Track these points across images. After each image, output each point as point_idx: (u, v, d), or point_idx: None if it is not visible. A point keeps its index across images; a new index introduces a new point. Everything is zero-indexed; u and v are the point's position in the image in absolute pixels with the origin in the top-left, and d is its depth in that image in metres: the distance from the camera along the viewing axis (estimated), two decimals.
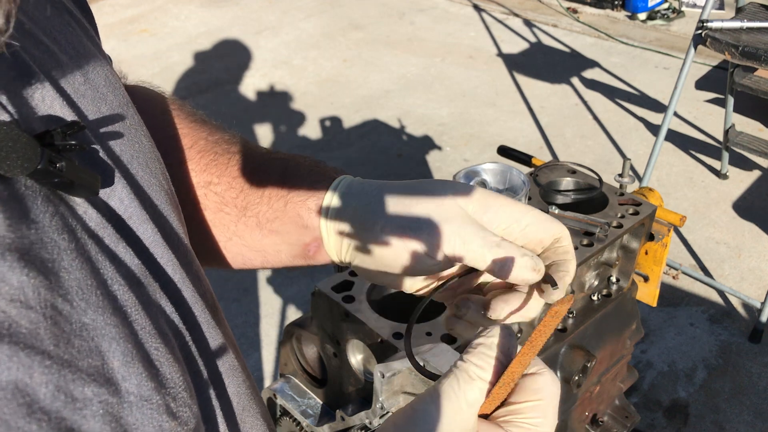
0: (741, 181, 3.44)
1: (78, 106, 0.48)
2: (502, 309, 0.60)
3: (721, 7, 4.96)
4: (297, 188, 0.68)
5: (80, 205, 0.44)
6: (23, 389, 0.34)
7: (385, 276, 0.64)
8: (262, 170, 0.71)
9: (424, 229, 0.60)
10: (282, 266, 0.72)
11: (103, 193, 0.47)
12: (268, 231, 0.68)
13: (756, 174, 3.49)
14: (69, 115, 0.46)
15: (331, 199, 0.66)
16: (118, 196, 0.48)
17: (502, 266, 0.58)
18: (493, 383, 0.49)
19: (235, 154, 0.73)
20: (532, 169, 1.49)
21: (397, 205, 0.62)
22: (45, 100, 0.45)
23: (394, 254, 0.62)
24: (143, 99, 0.75)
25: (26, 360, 0.35)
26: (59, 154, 0.41)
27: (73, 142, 0.42)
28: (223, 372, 0.56)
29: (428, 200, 0.61)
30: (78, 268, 0.40)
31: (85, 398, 0.37)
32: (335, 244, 0.66)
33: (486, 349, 0.50)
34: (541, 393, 0.49)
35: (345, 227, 0.64)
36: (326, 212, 0.65)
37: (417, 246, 0.60)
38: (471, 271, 0.63)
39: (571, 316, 1.29)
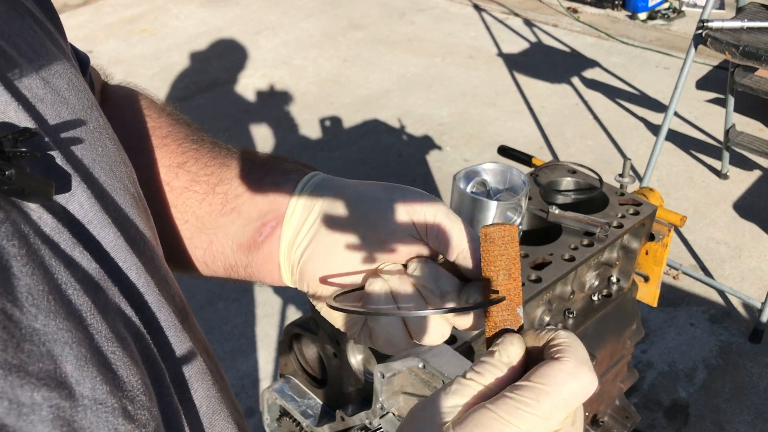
0: (741, 181, 3.44)
1: (36, 110, 0.47)
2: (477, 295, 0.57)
3: (722, 6, 4.96)
4: (279, 167, 0.68)
5: (35, 210, 0.44)
6: None
7: (330, 264, 0.62)
8: (247, 155, 0.71)
9: (406, 196, 0.59)
10: (222, 265, 0.70)
11: (62, 198, 0.46)
12: (230, 209, 0.67)
13: (756, 174, 3.48)
14: (24, 120, 0.46)
15: (315, 175, 0.66)
16: (77, 200, 0.47)
17: (476, 251, 0.56)
18: (494, 390, 0.47)
19: (218, 145, 0.72)
20: (533, 169, 1.49)
21: (378, 188, 0.62)
22: None
23: (364, 223, 0.60)
24: (124, 96, 0.74)
25: None
26: (9, 161, 0.40)
27: (23, 149, 0.42)
28: (191, 376, 0.55)
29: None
30: (28, 274, 0.40)
31: (33, 403, 0.37)
32: (298, 219, 0.64)
33: (488, 357, 0.49)
34: (545, 378, 0.45)
35: (321, 195, 0.63)
36: (306, 182, 0.65)
37: (393, 212, 0.59)
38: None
39: (571, 316, 1.29)
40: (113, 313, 0.46)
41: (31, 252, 0.41)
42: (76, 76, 0.54)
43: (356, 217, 0.61)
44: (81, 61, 0.65)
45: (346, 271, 0.61)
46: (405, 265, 0.61)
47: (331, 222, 0.62)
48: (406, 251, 0.60)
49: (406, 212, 0.59)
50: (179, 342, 0.54)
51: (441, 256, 0.61)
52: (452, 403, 0.47)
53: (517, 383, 0.46)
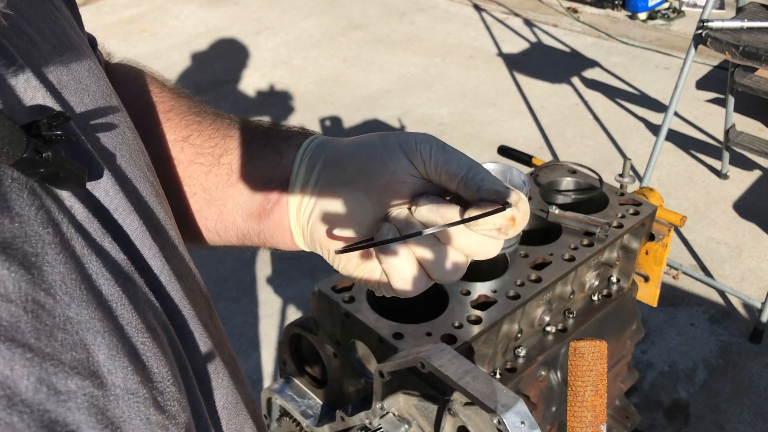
0: (741, 181, 3.44)
1: (62, 96, 0.47)
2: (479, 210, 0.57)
3: (722, 6, 4.96)
4: (282, 134, 0.68)
5: (67, 198, 0.44)
6: (3, 381, 0.35)
7: (341, 219, 0.61)
8: (250, 124, 0.71)
9: (405, 139, 0.59)
10: (234, 234, 0.70)
11: (89, 186, 0.46)
12: (236, 178, 0.67)
13: (756, 174, 3.48)
14: (53, 106, 0.46)
15: (315, 138, 0.66)
16: (103, 188, 0.47)
17: (475, 176, 0.56)
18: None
19: (221, 116, 0.72)
20: (533, 169, 1.49)
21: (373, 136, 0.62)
22: (29, 91, 0.44)
23: (368, 169, 0.60)
24: (126, 74, 0.75)
25: (7, 353, 0.35)
26: (45, 144, 0.40)
27: (59, 133, 0.41)
28: (214, 368, 0.55)
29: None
30: (62, 262, 0.40)
31: (69, 391, 0.37)
32: (302, 181, 0.64)
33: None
34: None
35: (321, 155, 0.63)
36: (308, 144, 0.65)
37: (394, 155, 0.59)
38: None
39: (571, 316, 1.29)
40: (142, 303, 0.46)
41: (64, 240, 0.41)
42: (95, 63, 0.54)
43: (356, 169, 0.60)
44: (90, 43, 0.65)
45: (354, 224, 0.61)
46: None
47: (333, 179, 0.62)
48: (410, 192, 0.59)
49: (403, 153, 0.59)
50: (203, 333, 0.54)
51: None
52: None
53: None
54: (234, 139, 0.69)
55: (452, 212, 0.57)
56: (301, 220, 0.64)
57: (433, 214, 0.57)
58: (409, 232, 0.58)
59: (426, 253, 0.58)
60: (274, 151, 0.66)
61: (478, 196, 0.56)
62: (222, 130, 0.70)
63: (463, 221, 0.54)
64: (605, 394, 0.51)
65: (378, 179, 0.59)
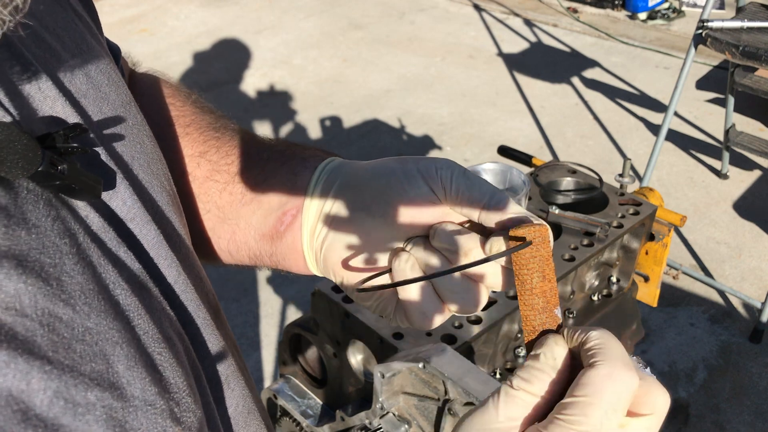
0: (741, 181, 3.44)
1: (80, 105, 0.47)
2: (501, 244, 0.53)
3: (722, 6, 4.96)
4: (298, 154, 0.66)
5: (82, 208, 0.44)
6: (18, 396, 0.34)
7: (354, 246, 0.59)
8: (267, 143, 0.70)
9: (427, 165, 0.57)
10: (246, 254, 0.68)
11: (105, 195, 0.46)
12: (250, 198, 0.66)
13: (756, 174, 3.48)
14: (71, 116, 0.45)
15: (331, 160, 0.64)
16: (120, 197, 0.47)
17: (498, 204, 0.54)
18: (547, 398, 0.46)
19: (239, 133, 0.71)
20: (533, 169, 1.49)
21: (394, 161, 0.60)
22: (47, 100, 0.44)
23: (386, 194, 0.57)
24: (149, 85, 0.74)
25: (24, 366, 0.35)
26: (61, 156, 0.40)
27: (75, 145, 0.42)
28: (227, 375, 0.55)
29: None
30: (80, 273, 0.40)
31: (88, 403, 0.37)
32: (317, 205, 0.62)
33: (533, 362, 0.47)
34: (585, 389, 0.43)
35: (337, 179, 0.61)
36: (323, 167, 0.64)
37: (415, 184, 0.56)
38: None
39: (571, 316, 1.29)
40: (158, 313, 0.46)
41: (81, 251, 0.41)
42: (114, 70, 0.54)
43: (373, 195, 0.58)
44: (112, 51, 0.65)
45: (370, 252, 0.59)
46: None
47: (348, 204, 0.60)
48: (429, 219, 0.57)
49: (423, 180, 0.56)
50: (215, 341, 0.54)
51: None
52: (504, 416, 0.45)
53: (562, 402, 0.44)
54: (251, 158, 0.68)
55: (473, 242, 0.54)
56: (315, 244, 0.62)
57: (452, 243, 0.55)
58: (428, 262, 0.56)
59: (447, 288, 0.56)
60: (289, 172, 0.65)
61: (501, 224, 0.54)
62: (239, 147, 0.69)
63: (487, 259, 0.52)
64: (554, 278, 0.49)
65: (396, 205, 0.57)
